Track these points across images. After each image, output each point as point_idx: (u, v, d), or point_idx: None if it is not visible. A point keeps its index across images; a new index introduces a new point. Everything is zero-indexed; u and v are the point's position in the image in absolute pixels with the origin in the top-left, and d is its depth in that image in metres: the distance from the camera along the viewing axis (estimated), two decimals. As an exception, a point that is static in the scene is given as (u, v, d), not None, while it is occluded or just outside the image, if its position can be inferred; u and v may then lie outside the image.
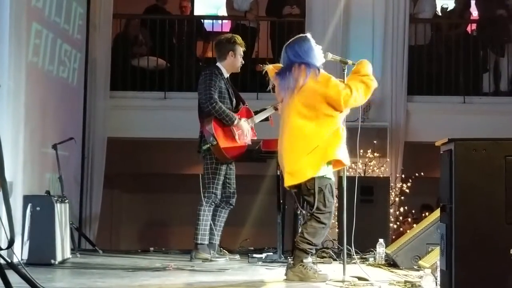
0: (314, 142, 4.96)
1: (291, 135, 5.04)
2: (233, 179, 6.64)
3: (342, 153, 5.02)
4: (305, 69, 5.01)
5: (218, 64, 6.66)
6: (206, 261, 6.29)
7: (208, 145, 6.35)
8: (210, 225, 6.47)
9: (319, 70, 5.05)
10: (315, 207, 4.99)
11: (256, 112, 6.68)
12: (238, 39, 6.69)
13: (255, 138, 6.61)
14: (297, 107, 5.01)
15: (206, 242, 6.46)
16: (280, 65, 5.22)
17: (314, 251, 5.13)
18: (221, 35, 7.08)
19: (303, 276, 4.95)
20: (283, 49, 5.19)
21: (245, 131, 6.47)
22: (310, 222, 5.01)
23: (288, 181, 5.06)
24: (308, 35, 5.22)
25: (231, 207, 6.66)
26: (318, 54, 5.14)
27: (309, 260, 5.02)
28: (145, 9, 10.32)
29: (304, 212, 5.27)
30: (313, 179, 4.98)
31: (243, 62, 6.76)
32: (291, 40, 5.22)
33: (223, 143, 6.35)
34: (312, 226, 5.00)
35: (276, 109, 6.46)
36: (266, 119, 6.69)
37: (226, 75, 6.65)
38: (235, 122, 6.42)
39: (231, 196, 6.63)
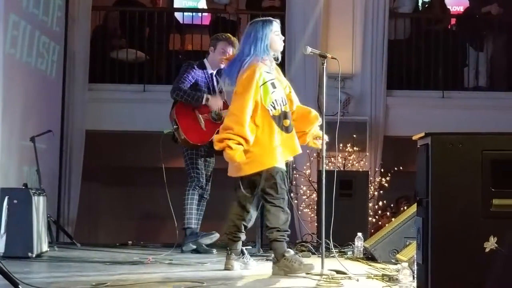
0: None
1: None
2: (210, 172, 6.68)
3: None
4: None
5: (204, 59, 6.74)
6: (195, 252, 6.49)
7: (170, 130, 6.39)
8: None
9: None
10: (267, 192, 4.99)
11: None
12: (223, 35, 6.72)
13: None
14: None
15: (193, 226, 6.52)
16: None
17: (287, 238, 5.06)
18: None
19: (288, 269, 4.92)
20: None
21: (215, 107, 6.45)
22: (267, 211, 5.04)
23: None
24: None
25: (206, 199, 6.71)
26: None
27: (291, 252, 5.02)
28: (115, 1, 10.23)
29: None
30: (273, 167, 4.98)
31: (223, 58, 6.72)
32: None
33: (185, 128, 6.39)
34: (270, 213, 5.01)
35: None
36: None
37: (210, 70, 6.67)
38: (204, 100, 6.41)
39: (204, 188, 6.65)
